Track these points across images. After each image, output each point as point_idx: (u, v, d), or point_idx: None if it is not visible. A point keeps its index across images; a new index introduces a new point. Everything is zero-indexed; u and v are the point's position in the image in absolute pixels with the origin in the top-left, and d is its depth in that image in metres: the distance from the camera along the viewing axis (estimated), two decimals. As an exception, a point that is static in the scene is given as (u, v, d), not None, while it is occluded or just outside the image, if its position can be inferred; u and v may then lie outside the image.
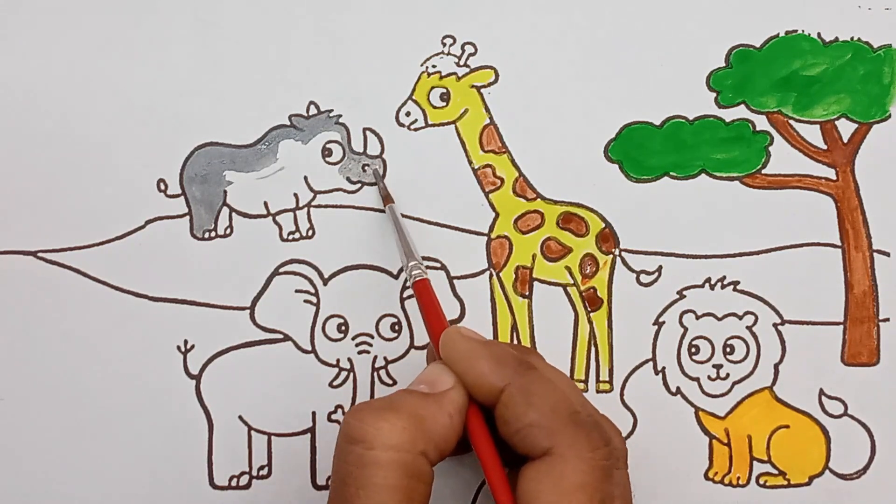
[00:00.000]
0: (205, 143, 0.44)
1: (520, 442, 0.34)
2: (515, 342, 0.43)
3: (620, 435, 0.36)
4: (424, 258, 0.44)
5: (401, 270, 0.43)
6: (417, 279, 0.39)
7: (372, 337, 0.43)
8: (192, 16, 0.44)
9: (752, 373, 0.43)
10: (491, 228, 0.44)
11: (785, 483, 0.43)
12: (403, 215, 0.44)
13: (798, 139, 0.44)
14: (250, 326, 0.43)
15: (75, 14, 0.44)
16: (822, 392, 0.43)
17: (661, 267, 0.44)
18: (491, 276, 0.44)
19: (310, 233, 0.44)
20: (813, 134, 0.44)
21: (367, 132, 0.44)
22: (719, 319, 0.44)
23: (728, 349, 0.43)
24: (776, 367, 0.43)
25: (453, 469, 0.42)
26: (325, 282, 0.43)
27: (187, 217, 0.44)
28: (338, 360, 0.43)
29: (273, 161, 0.44)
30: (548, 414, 0.33)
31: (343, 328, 0.43)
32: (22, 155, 0.44)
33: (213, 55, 0.44)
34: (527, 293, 0.44)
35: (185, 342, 0.43)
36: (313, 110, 0.44)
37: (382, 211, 0.44)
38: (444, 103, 0.44)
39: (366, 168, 0.44)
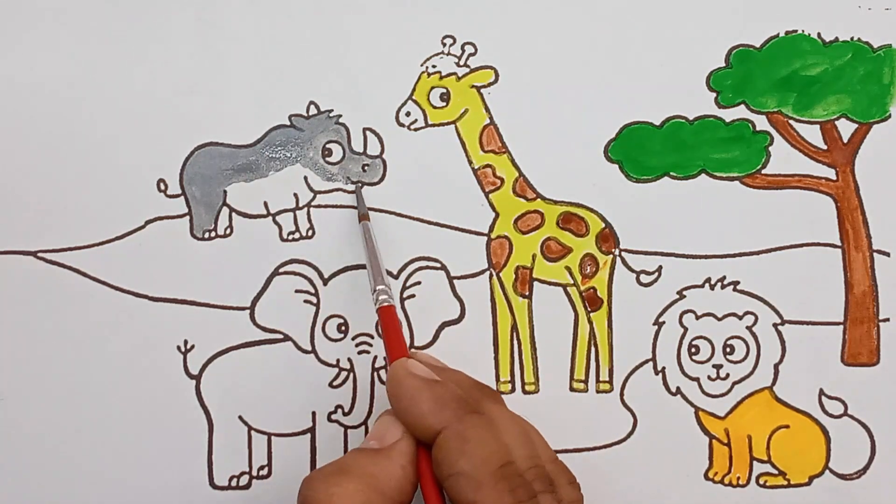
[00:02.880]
0: (205, 143, 0.44)
1: (449, 489, 0.33)
2: (516, 342, 0.43)
3: (572, 483, 0.35)
4: (424, 258, 0.44)
5: (401, 270, 0.43)
6: (383, 304, 0.38)
7: (372, 337, 0.43)
8: (193, 15, 0.44)
9: (752, 373, 0.43)
10: (491, 228, 0.44)
11: (785, 483, 0.43)
12: (403, 215, 0.44)
13: (798, 139, 0.44)
14: (250, 326, 0.43)
15: (75, 14, 0.44)
16: (822, 392, 0.43)
17: (661, 267, 0.44)
18: (491, 276, 0.44)
19: (310, 233, 0.44)
20: (813, 134, 0.44)
21: (367, 132, 0.44)
22: (719, 319, 0.44)
23: (728, 349, 0.43)
24: (776, 367, 0.43)
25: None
26: (325, 282, 0.43)
27: (187, 217, 0.44)
28: (338, 360, 0.43)
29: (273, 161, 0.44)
30: (478, 464, 0.33)
31: (343, 328, 0.43)
32: (22, 155, 0.44)
33: (213, 55, 0.44)
34: (527, 293, 0.44)
35: (185, 342, 0.43)
36: (313, 110, 0.44)
37: (382, 211, 0.44)
38: (444, 103, 0.44)
39: (366, 168, 0.44)
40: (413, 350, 0.38)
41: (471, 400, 0.35)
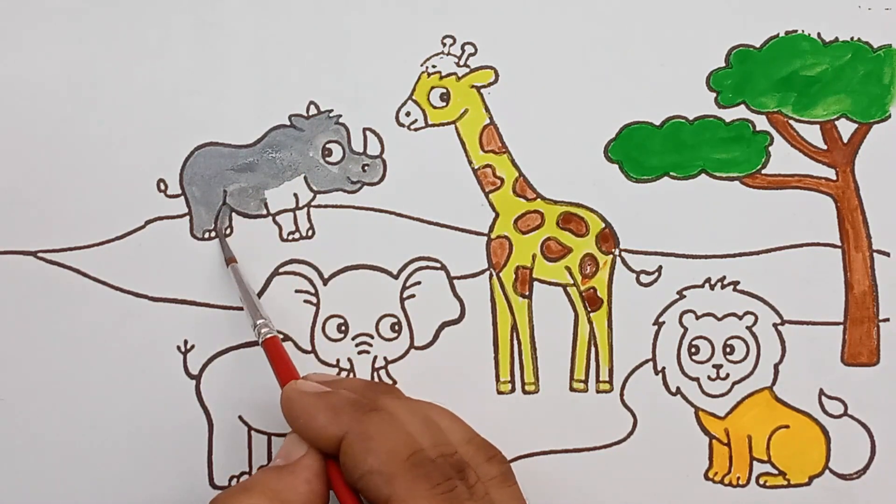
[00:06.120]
0: (205, 143, 0.44)
1: (363, 490, 0.33)
2: (516, 342, 0.43)
3: (492, 459, 0.35)
4: (424, 258, 0.44)
5: (401, 270, 0.43)
6: (267, 336, 0.39)
7: (372, 337, 0.43)
8: (192, 16, 0.44)
9: (752, 373, 0.43)
10: (491, 228, 0.44)
11: (785, 483, 0.43)
12: (403, 215, 0.44)
13: (798, 139, 0.44)
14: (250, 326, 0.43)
15: (75, 14, 0.44)
16: (822, 392, 0.43)
17: (661, 267, 0.44)
18: (491, 276, 0.44)
19: (310, 233, 0.44)
20: (813, 134, 0.44)
21: (367, 132, 0.44)
22: (719, 319, 0.44)
23: (728, 349, 0.43)
24: (776, 367, 0.43)
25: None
26: (325, 282, 0.43)
27: (187, 217, 0.44)
28: (338, 360, 0.43)
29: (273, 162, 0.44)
30: (385, 459, 0.33)
31: (343, 328, 0.43)
32: (22, 155, 0.44)
33: (213, 55, 0.44)
34: (527, 293, 0.44)
35: (185, 342, 0.43)
36: (313, 110, 0.44)
37: (383, 211, 0.44)
38: (444, 103, 0.44)
39: (366, 168, 0.44)
40: (306, 374, 0.38)
41: (366, 400, 0.35)
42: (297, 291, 0.43)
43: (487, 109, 0.44)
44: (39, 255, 0.43)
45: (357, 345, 0.43)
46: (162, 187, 0.44)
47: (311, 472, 0.35)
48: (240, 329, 0.43)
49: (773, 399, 0.43)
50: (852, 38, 0.44)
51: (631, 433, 0.43)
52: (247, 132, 0.44)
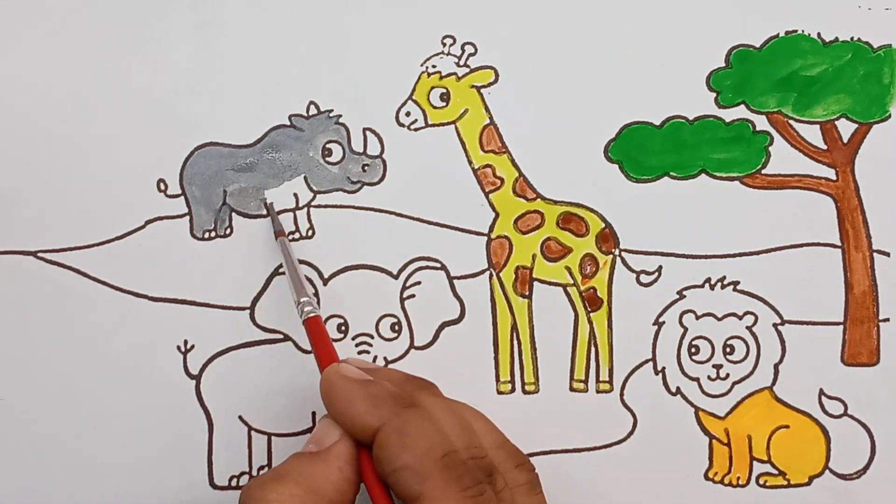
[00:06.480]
0: (205, 143, 0.44)
1: (394, 484, 0.33)
2: (516, 342, 0.43)
3: (520, 466, 0.35)
4: (424, 258, 0.44)
5: (401, 270, 0.43)
6: (310, 315, 0.39)
7: (372, 337, 0.43)
8: (192, 16, 0.44)
9: (752, 373, 0.43)
10: (491, 228, 0.44)
11: (785, 483, 0.43)
12: (403, 215, 0.44)
13: (798, 139, 0.44)
14: (250, 326, 0.43)
15: (75, 14, 0.44)
16: (822, 392, 0.43)
17: (661, 267, 0.44)
18: (491, 276, 0.44)
19: (310, 233, 0.44)
20: (813, 134, 0.44)
21: (367, 132, 0.44)
22: (719, 319, 0.44)
23: (728, 349, 0.43)
24: (776, 367, 0.43)
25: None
26: (325, 282, 0.43)
27: (187, 217, 0.44)
28: (338, 360, 0.43)
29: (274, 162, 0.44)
30: (419, 456, 0.33)
31: (343, 328, 0.43)
32: (22, 155, 0.44)
33: (213, 55, 0.44)
34: (527, 293, 0.44)
35: (185, 342, 0.43)
36: (313, 110, 0.44)
37: (383, 211, 0.44)
38: (444, 103, 0.44)
39: (366, 168, 0.44)
40: (346, 358, 0.38)
41: (405, 394, 0.35)
42: (297, 291, 0.43)
43: (487, 109, 0.44)
44: (39, 255, 0.43)
45: (357, 345, 0.43)
46: (162, 187, 0.44)
47: (343, 459, 0.34)
48: (240, 329, 0.43)
49: (773, 399, 0.43)
50: (852, 38, 0.44)
51: (631, 433, 0.43)
52: (247, 132, 0.44)
